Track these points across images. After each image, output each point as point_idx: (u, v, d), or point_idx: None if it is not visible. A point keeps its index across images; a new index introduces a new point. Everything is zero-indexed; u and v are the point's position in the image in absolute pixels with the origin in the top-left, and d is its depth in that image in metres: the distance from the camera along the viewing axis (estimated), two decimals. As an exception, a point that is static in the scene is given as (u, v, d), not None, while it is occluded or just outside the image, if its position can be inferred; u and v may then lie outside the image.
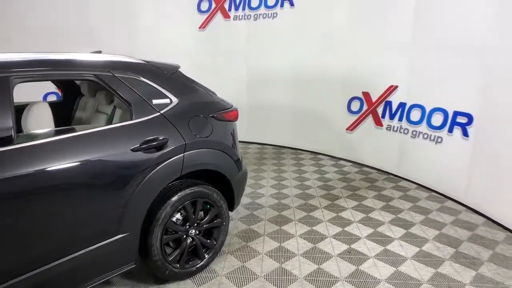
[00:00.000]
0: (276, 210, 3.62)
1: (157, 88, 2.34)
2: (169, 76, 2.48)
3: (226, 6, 5.97)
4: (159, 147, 2.19)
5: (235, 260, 2.74)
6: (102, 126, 2.08)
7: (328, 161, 5.30)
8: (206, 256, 2.58)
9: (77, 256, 1.90)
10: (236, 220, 3.38)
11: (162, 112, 2.30)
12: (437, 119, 3.99)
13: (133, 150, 2.07)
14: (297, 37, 5.45)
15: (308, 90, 5.51)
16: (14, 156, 1.68)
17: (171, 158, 2.25)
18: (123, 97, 2.16)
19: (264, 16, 5.72)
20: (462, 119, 3.70)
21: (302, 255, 2.80)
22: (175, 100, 2.40)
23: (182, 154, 2.31)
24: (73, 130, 2.00)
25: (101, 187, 1.96)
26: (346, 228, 3.23)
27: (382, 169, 4.82)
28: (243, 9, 5.88)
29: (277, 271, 2.60)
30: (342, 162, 5.26)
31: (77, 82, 3.12)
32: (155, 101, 2.30)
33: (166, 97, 2.37)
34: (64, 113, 3.12)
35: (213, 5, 6.05)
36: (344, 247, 2.92)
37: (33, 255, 1.76)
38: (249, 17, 5.86)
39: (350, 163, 5.19)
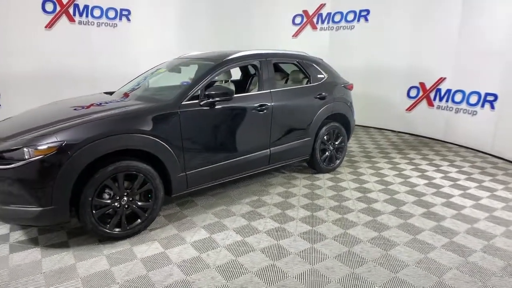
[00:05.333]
0: (363, 152, 5.71)
1: (318, 69, 4.53)
2: (322, 63, 4.67)
3: (315, 20, 8.15)
4: (323, 98, 4.37)
5: (350, 169, 4.87)
6: (304, 85, 4.34)
7: (390, 133, 7.30)
8: (337, 162, 4.73)
9: (296, 142, 4.13)
10: (340, 155, 5.50)
11: (321, 81, 4.48)
12: (473, 99, 5.90)
13: (314, 97, 4.28)
14: (369, 42, 7.48)
15: (376, 81, 7.53)
16: (281, 93, 3.93)
17: (327, 104, 4.42)
18: (307, 72, 4.37)
19: (344, 28, 7.83)
20: (490, 97, 5.59)
21: (371, 176, 4.88)
22: (326, 76, 4.58)
23: (332, 103, 4.48)
24: (292, 86, 4.32)
25: (303, 112, 4.18)
26: (413, 160, 5.26)
27: (433, 137, 6.74)
28: (328, 22, 8.03)
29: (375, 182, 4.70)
30: (401, 134, 7.23)
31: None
32: (318, 76, 4.49)
33: (322, 74, 4.55)
34: (244, 85, 5.39)
35: (305, 19, 8.26)
36: (398, 167, 4.96)
37: (287, 137, 4.03)
38: (332, 29, 7.99)
39: (408, 134, 7.15)
